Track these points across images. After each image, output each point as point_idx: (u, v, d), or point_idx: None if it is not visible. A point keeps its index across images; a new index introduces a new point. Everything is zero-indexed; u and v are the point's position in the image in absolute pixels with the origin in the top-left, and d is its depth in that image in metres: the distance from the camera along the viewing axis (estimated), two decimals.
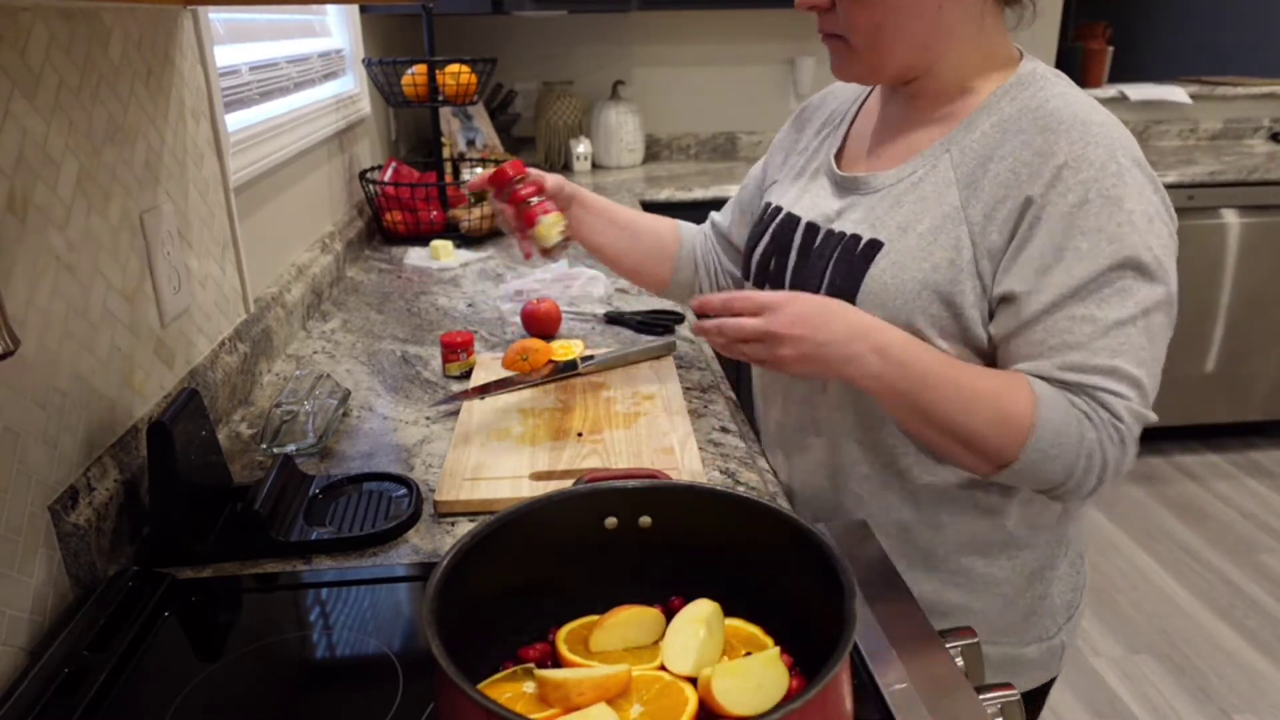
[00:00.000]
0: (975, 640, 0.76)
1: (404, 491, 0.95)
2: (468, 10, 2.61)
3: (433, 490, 0.96)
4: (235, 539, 0.85)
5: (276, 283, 1.43)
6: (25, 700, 0.65)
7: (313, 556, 0.86)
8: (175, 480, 0.81)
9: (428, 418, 1.15)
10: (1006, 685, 0.70)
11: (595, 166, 3.05)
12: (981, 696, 0.67)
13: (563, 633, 0.65)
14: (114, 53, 0.92)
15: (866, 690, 0.66)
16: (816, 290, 0.93)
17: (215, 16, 1.26)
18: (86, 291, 0.85)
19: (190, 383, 1.04)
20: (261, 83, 1.49)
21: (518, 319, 1.49)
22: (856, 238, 0.91)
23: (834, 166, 0.99)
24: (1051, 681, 1.03)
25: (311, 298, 1.54)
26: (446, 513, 0.92)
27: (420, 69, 2.06)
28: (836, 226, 0.94)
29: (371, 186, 2.02)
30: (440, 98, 2.08)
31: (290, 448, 1.03)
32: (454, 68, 2.06)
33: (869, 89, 1.04)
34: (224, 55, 1.29)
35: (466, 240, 2.04)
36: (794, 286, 0.97)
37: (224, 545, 0.85)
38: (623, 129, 3.02)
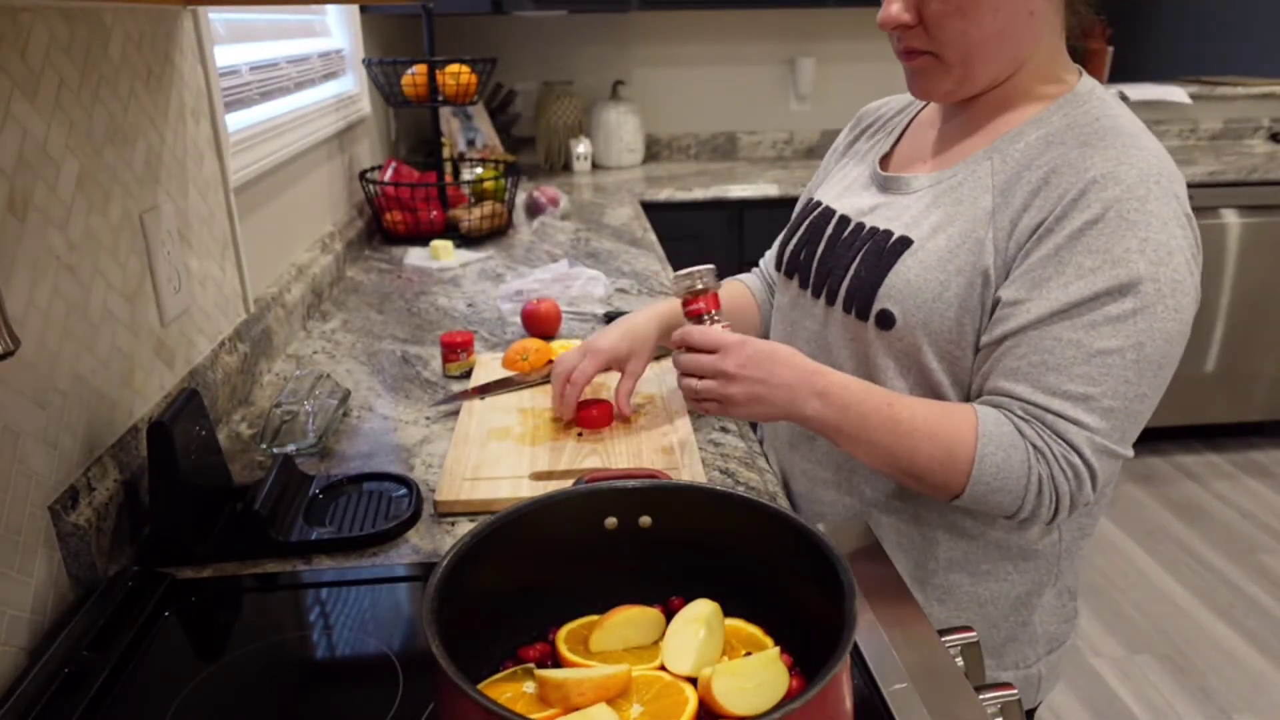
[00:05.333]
0: (975, 639, 0.76)
1: (404, 491, 0.95)
2: (468, 10, 2.61)
3: (433, 490, 0.96)
4: (235, 539, 0.85)
5: (276, 283, 1.43)
6: (25, 700, 0.65)
7: (313, 556, 0.86)
8: (175, 480, 0.81)
9: (427, 418, 1.15)
10: (1006, 685, 0.70)
11: (595, 166, 3.05)
12: (981, 696, 0.67)
13: (563, 633, 0.65)
14: (114, 53, 0.92)
15: (866, 690, 0.66)
16: (840, 281, 0.93)
17: (215, 16, 1.26)
18: (87, 291, 0.85)
19: (190, 383, 1.05)
20: (261, 83, 1.49)
21: (518, 319, 1.49)
22: (888, 233, 0.91)
23: (877, 166, 0.99)
24: (1031, 712, 1.02)
25: (311, 298, 1.54)
26: (446, 513, 0.92)
27: (420, 69, 2.06)
28: (869, 221, 0.94)
29: (371, 186, 2.02)
30: (440, 98, 2.08)
31: (290, 448, 1.03)
32: (454, 68, 2.06)
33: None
34: (224, 55, 1.29)
35: (466, 240, 2.04)
36: (819, 275, 0.97)
37: (224, 545, 0.85)
38: (623, 129, 3.02)
